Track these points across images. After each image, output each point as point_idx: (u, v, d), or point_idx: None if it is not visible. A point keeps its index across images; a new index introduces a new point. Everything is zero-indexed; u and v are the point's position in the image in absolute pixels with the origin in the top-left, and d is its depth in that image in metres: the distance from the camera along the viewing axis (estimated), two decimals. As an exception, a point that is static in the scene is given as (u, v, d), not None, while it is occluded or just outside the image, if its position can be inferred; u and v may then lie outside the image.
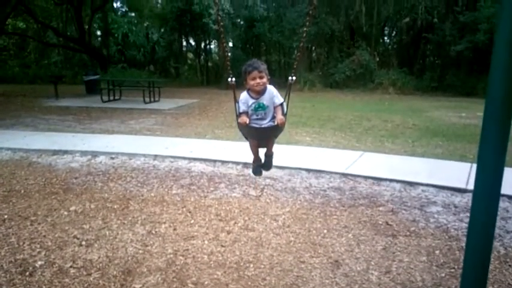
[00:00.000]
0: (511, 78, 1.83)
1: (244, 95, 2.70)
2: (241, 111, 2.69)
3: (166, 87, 15.26)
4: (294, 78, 2.70)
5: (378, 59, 17.58)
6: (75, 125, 8.95)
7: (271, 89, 2.72)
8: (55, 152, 6.39)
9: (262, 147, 2.94)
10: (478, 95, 14.05)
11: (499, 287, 2.92)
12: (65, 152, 6.41)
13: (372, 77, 16.48)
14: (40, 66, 21.35)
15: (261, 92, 2.67)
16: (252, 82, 2.62)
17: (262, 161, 3.05)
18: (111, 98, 12.86)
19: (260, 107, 2.68)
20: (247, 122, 2.64)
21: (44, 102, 12.47)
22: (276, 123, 2.66)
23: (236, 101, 2.73)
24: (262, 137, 2.81)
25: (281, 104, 2.72)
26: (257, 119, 2.70)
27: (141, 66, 20.98)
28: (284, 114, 2.71)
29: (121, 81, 14.29)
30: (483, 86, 14.45)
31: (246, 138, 2.90)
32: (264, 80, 2.63)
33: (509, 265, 3.21)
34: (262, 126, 2.71)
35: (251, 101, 2.68)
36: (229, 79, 2.70)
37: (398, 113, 10.40)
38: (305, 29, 2.90)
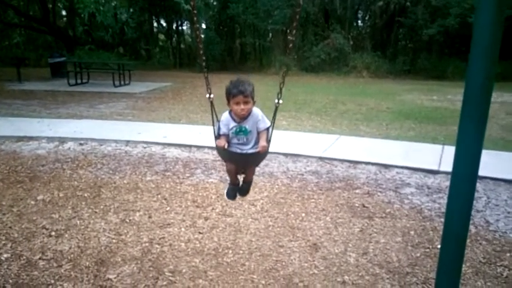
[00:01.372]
0: (491, 60, 1.81)
1: (225, 116, 2.41)
2: (220, 133, 2.41)
3: (137, 70, 14.82)
4: (281, 102, 2.41)
5: (352, 43, 17.64)
6: (40, 110, 8.53)
7: (256, 112, 2.42)
8: (19, 139, 6.08)
9: (241, 173, 2.62)
10: (448, 78, 14.42)
11: (471, 264, 3.00)
12: (30, 138, 6.11)
13: (346, 60, 16.56)
14: (0, 48, 20.21)
15: (245, 116, 2.37)
16: (235, 107, 2.31)
17: (240, 184, 2.71)
18: (79, 81, 12.37)
19: (242, 131, 2.39)
20: (226, 146, 2.36)
21: (6, 86, 11.82)
22: (257, 149, 2.36)
23: (216, 119, 2.43)
24: (242, 163, 2.52)
25: (266, 129, 2.41)
26: (238, 144, 2.43)
27: (109, 47, 20.22)
28: (268, 141, 2.41)
29: (89, 63, 13.74)
30: (453, 69, 14.84)
31: (224, 161, 2.62)
32: (250, 106, 2.32)
33: (480, 243, 3.31)
34: (243, 152, 2.42)
35: (232, 123, 2.38)
36: (208, 95, 2.40)
37: (372, 97, 10.51)
38: (294, 24, 2.60)
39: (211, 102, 2.41)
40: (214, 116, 2.41)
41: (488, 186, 4.46)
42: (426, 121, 7.71)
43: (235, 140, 2.42)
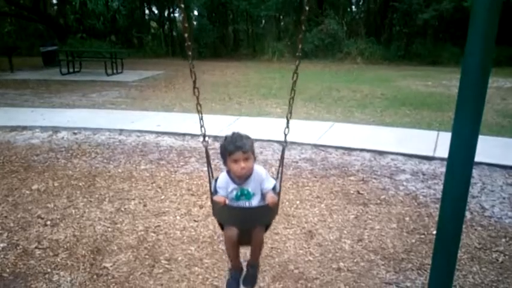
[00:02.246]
0: (488, 45, 1.80)
1: (223, 178, 2.08)
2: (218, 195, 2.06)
3: (130, 58, 14.65)
4: (285, 145, 2.12)
5: (345, 28, 17.50)
6: (33, 100, 8.44)
7: (259, 171, 2.08)
8: (13, 128, 6.03)
9: (244, 243, 2.10)
10: (443, 63, 14.38)
11: (466, 250, 3.03)
12: (24, 128, 6.06)
13: (340, 46, 16.44)
14: (-9, 36, 19.86)
15: (246, 175, 2.05)
16: (234, 167, 1.98)
17: (244, 270, 2.21)
18: (71, 70, 12.21)
19: (244, 195, 2.06)
20: (226, 202, 2.00)
21: (-3, 75, 11.68)
22: (266, 202, 2.01)
23: (211, 176, 2.12)
24: (247, 221, 2.03)
25: (273, 188, 2.08)
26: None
27: (101, 36, 19.92)
28: (277, 193, 2.05)
29: (81, 52, 13.55)
30: (448, 54, 14.79)
31: (222, 226, 2.16)
32: (251, 163, 2.00)
33: (475, 229, 3.34)
34: (247, 206, 2.08)
35: (232, 185, 2.05)
36: (202, 140, 2.07)
37: (367, 83, 10.48)
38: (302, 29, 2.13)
39: (206, 150, 2.10)
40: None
41: (483, 172, 4.48)
42: (421, 107, 7.71)
43: (235, 204, 2.07)
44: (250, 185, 2.05)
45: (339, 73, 12.91)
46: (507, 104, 7.92)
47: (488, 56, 1.84)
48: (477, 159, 5.04)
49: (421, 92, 9.37)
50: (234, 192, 2.05)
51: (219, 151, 2.09)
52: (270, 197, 2.00)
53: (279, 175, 2.14)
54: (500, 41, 11.48)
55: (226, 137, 2.05)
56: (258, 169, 2.09)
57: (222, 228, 2.14)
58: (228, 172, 2.07)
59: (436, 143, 5.33)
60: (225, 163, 2.05)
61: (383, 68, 14.19)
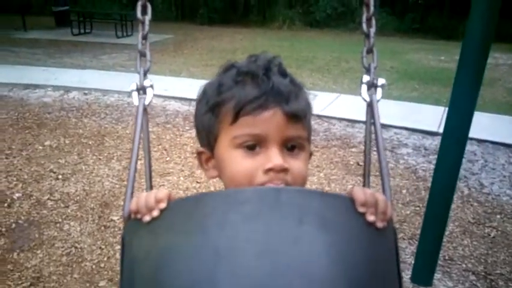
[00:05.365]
0: (489, 22, 1.83)
1: None
2: None
3: (140, 20, 14.48)
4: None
5: (360, -3, 17.05)
6: (45, 59, 8.52)
7: None
8: (26, 86, 6.16)
9: None
10: (459, 38, 13.94)
11: (460, 224, 3.12)
12: (37, 86, 6.19)
13: (353, 16, 16.06)
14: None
15: None
16: (246, 164, 0.66)
17: None
18: (82, 31, 12.18)
19: None
20: (165, 202, 0.64)
21: (11, 34, 11.69)
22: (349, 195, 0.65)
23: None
24: None
25: None
26: None
27: (112, -4, 19.64)
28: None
29: (92, 13, 13.44)
30: (464, 29, 14.40)
31: None
32: (301, 164, 0.69)
33: (471, 204, 3.41)
34: None
35: None
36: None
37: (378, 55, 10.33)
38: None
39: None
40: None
41: (487, 149, 4.50)
42: (431, 82, 7.64)
43: None
44: None
45: (349, 44, 12.70)
46: (519, 83, 7.81)
47: (489, 33, 1.88)
48: (481, 136, 5.06)
49: (432, 67, 9.24)
50: None
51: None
52: (366, 191, 0.59)
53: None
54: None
55: (228, 65, 0.76)
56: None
57: None
58: None
59: (442, 118, 5.32)
60: (207, 153, 0.76)
61: (396, 41, 13.91)
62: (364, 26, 0.96)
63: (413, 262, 2.52)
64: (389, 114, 5.50)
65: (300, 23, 15.87)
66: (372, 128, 0.84)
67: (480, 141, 4.61)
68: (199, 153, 0.77)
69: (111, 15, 13.22)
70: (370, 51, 0.94)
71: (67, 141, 4.28)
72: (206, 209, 0.53)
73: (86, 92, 6.04)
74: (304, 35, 13.93)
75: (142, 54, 0.94)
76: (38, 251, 2.61)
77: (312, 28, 15.97)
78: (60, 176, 3.55)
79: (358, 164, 4.06)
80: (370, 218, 0.55)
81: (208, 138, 0.71)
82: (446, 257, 2.72)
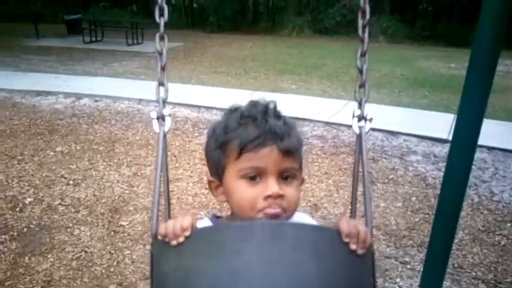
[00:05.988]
0: (499, 28, 1.82)
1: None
2: None
3: (150, 28, 14.68)
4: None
5: (369, 4, 17.04)
6: (57, 66, 8.68)
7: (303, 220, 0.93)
8: (38, 93, 6.28)
9: None
10: (469, 45, 13.85)
11: (470, 231, 3.09)
12: (49, 93, 6.30)
13: (362, 24, 16.07)
14: (18, 3, 20.12)
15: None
16: (251, 192, 0.79)
17: None
18: (93, 39, 12.39)
19: None
20: (190, 230, 0.76)
21: (24, 41, 11.94)
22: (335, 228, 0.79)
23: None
24: None
25: None
26: None
27: (123, 5, 19.96)
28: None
29: (103, 21, 13.67)
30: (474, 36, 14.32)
31: None
32: (294, 191, 0.83)
33: (481, 212, 3.38)
34: None
35: None
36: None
37: (387, 62, 10.32)
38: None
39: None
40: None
41: (497, 157, 4.46)
42: (441, 89, 7.60)
43: None
44: None
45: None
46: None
47: (498, 39, 1.87)
48: (492, 144, 5.03)
49: (442, 74, 9.20)
50: None
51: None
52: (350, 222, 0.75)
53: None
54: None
55: (232, 108, 0.87)
56: (302, 216, 0.94)
57: None
58: (218, 220, 0.94)
59: (452, 126, 5.29)
60: (216, 182, 0.88)
61: (405, 48, 13.89)
62: (360, 31, 1.05)
63: (421, 270, 2.49)
64: (398, 121, 5.49)
65: (309, 30, 15.93)
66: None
67: (490, 149, 4.58)
68: (210, 182, 0.89)
69: (122, 24, 13.42)
70: (362, 85, 1.02)
71: (78, 147, 4.35)
72: (224, 238, 0.68)
73: (97, 99, 6.14)
74: (313, 42, 13.98)
75: (161, 84, 1.03)
76: (49, 255, 2.65)
77: (321, 35, 16.02)
78: (71, 182, 3.60)
79: (367, 171, 4.05)
80: (353, 246, 0.70)
81: (217, 169, 0.85)
82: (456, 265, 2.70)
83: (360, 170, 0.95)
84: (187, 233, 0.69)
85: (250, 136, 0.78)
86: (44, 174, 3.72)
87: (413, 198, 3.56)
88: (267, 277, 0.64)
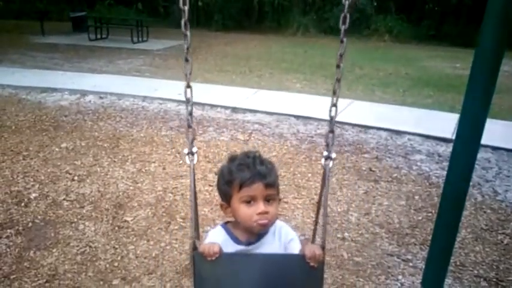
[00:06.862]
0: (503, 29, 1.83)
1: (217, 235, 1.26)
2: None
3: (155, 27, 14.73)
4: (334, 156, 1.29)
5: (375, 4, 16.97)
6: (62, 63, 8.73)
7: (282, 226, 1.31)
8: (44, 90, 6.33)
9: None
10: (475, 45, 13.84)
11: (472, 230, 3.10)
12: (54, 90, 6.35)
13: (368, 22, 16.01)
14: (25, 1, 20.23)
15: (261, 233, 1.24)
16: (247, 211, 1.19)
17: None
18: (99, 36, 12.43)
19: None
20: (219, 253, 1.14)
21: (30, 39, 12.02)
22: (301, 253, 1.19)
23: (195, 212, 1.27)
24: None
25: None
26: None
27: (128, 3, 19.99)
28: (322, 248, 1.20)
29: (108, 19, 13.72)
30: (479, 36, 14.23)
31: None
32: (275, 208, 1.21)
33: (484, 211, 3.38)
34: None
35: (233, 248, 1.24)
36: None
37: (392, 62, 10.29)
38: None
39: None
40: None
41: (501, 157, 4.46)
42: (446, 89, 7.57)
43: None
44: (265, 247, 1.24)
45: (364, 50, 12.68)
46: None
47: (502, 39, 1.87)
48: (496, 144, 5.03)
49: (447, 74, 9.16)
50: None
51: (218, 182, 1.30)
52: (310, 251, 1.15)
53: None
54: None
55: (232, 157, 1.27)
56: (281, 223, 1.30)
57: None
58: (227, 225, 1.28)
59: (456, 125, 5.28)
60: (226, 205, 1.25)
61: (411, 47, 13.83)
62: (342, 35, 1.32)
63: (424, 267, 2.50)
64: (403, 120, 5.49)
65: (314, 30, 15.89)
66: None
67: (495, 149, 4.57)
68: (221, 205, 1.29)
69: (127, 21, 13.46)
70: (331, 131, 1.29)
71: (83, 144, 4.38)
72: (237, 260, 1.21)
73: (102, 96, 6.17)
74: (318, 42, 13.95)
75: (189, 126, 1.32)
76: (54, 250, 2.68)
77: (326, 35, 15.97)
78: (75, 177, 3.63)
79: (370, 169, 4.06)
80: (311, 264, 1.15)
81: (226, 197, 1.26)
82: (458, 263, 2.71)
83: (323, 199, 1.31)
84: (217, 255, 1.15)
85: (246, 177, 1.19)
86: (49, 170, 3.75)
87: (417, 197, 3.57)
88: (260, 283, 1.19)
